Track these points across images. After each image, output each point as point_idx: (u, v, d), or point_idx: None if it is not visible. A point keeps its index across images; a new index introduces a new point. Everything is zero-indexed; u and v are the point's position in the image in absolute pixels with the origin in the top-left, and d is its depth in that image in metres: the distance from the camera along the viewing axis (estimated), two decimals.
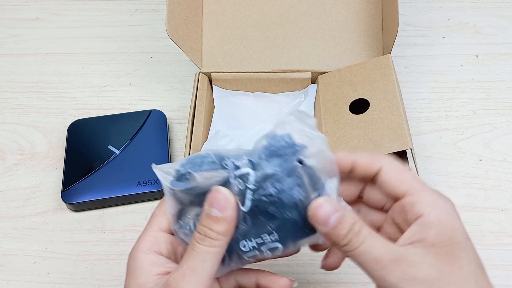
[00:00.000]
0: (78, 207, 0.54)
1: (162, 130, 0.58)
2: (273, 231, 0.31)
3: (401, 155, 0.49)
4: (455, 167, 0.56)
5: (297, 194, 0.31)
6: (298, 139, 0.32)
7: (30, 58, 0.70)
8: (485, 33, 0.70)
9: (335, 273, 0.49)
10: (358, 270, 0.49)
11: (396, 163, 0.32)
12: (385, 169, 0.32)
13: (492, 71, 0.65)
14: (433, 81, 0.65)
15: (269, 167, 0.31)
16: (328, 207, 0.30)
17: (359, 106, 0.53)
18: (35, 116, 0.63)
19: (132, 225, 0.53)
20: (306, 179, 0.31)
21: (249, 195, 0.31)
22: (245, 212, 0.31)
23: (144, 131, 0.58)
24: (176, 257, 0.34)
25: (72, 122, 0.60)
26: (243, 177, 0.31)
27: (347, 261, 0.49)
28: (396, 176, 0.32)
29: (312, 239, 0.33)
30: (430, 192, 0.31)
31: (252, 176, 0.31)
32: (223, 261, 0.33)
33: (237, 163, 0.31)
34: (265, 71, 0.59)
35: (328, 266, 0.36)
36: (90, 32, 0.73)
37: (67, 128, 0.59)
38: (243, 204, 0.31)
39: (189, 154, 0.51)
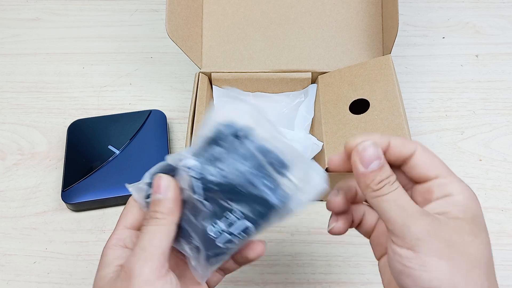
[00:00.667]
0: (78, 207, 0.54)
1: (162, 130, 0.58)
2: (234, 209, 0.33)
3: None
4: (455, 167, 0.56)
5: (244, 168, 0.32)
6: (241, 122, 0.34)
7: (30, 58, 0.70)
8: (485, 33, 0.70)
9: (335, 273, 0.49)
10: (358, 270, 0.49)
11: (428, 149, 0.33)
12: (419, 151, 0.33)
13: (492, 71, 0.65)
14: (433, 81, 0.65)
15: (208, 152, 0.33)
16: (374, 152, 0.32)
17: (359, 106, 0.53)
18: (35, 116, 0.63)
19: None
20: (252, 153, 0.32)
21: (196, 183, 0.32)
22: (199, 200, 0.33)
23: (144, 131, 0.58)
24: None
25: (72, 122, 0.60)
26: (188, 168, 0.33)
27: (348, 262, 0.50)
28: (430, 160, 0.32)
29: (282, 212, 0.33)
30: (459, 179, 0.32)
31: (195, 164, 0.33)
32: (207, 259, 0.34)
33: (181, 157, 0.34)
34: (265, 71, 0.59)
35: (335, 231, 0.36)
36: (90, 32, 0.73)
37: (67, 128, 0.59)
38: (194, 192, 0.33)
39: None
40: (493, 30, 0.70)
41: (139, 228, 0.35)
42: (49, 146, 0.60)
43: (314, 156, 0.53)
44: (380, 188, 0.31)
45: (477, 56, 0.67)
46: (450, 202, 0.31)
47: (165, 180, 0.34)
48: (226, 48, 0.60)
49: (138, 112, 0.60)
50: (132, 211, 0.36)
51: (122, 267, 0.32)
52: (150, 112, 0.60)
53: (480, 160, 0.57)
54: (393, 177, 0.32)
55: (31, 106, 0.64)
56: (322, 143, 0.52)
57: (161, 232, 0.33)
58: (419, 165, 0.33)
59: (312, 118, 0.57)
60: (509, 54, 0.67)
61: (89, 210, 0.54)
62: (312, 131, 0.57)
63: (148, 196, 0.35)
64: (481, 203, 0.53)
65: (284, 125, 0.57)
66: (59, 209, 0.54)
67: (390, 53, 0.56)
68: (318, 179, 0.33)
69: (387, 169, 0.32)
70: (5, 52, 0.71)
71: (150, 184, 0.35)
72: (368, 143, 0.32)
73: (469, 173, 0.56)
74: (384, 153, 0.33)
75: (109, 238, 0.35)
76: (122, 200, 0.53)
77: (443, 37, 0.70)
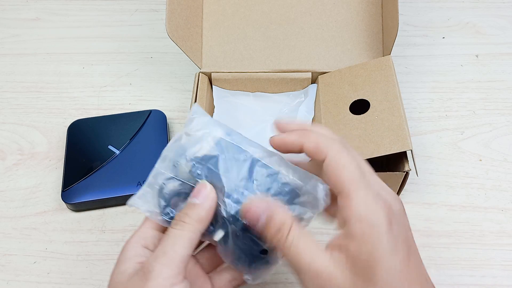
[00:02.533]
0: (78, 207, 0.53)
1: (162, 130, 0.58)
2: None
3: (402, 155, 0.49)
4: (455, 167, 0.56)
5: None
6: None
7: (30, 58, 0.70)
8: (485, 33, 0.70)
9: None
10: None
11: (341, 153, 0.31)
12: (327, 161, 0.31)
13: (492, 71, 0.65)
14: (433, 81, 0.65)
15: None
16: (258, 205, 0.32)
17: (360, 107, 0.53)
18: (35, 116, 0.63)
19: (132, 225, 0.53)
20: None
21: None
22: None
23: (144, 131, 0.58)
24: None
25: (72, 122, 0.60)
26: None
27: None
28: (335, 172, 0.31)
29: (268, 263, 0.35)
30: (364, 196, 0.29)
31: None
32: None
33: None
34: (265, 71, 0.59)
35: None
36: (90, 32, 0.73)
37: (67, 128, 0.59)
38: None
39: None
40: (493, 30, 0.70)
41: (163, 231, 0.35)
42: (49, 146, 0.60)
43: None
44: (277, 243, 0.31)
45: (477, 56, 0.67)
46: (348, 235, 0.29)
47: (208, 189, 0.34)
48: (226, 48, 0.60)
49: (138, 112, 0.60)
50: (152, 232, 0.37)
51: (142, 266, 0.32)
52: (150, 112, 0.60)
53: (480, 160, 0.57)
54: (286, 226, 0.31)
55: (31, 106, 0.64)
56: None
57: (185, 239, 0.33)
58: (327, 176, 0.31)
59: (312, 118, 0.57)
60: (509, 54, 0.67)
61: (89, 210, 0.54)
62: None
63: (165, 206, 0.35)
64: (481, 203, 0.53)
65: None
66: (59, 209, 0.54)
67: (390, 53, 0.56)
68: (321, 193, 0.33)
69: (277, 219, 0.31)
70: (5, 52, 0.71)
71: (165, 198, 0.36)
72: (251, 198, 0.32)
73: (469, 173, 0.56)
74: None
75: (132, 235, 0.36)
76: (122, 200, 0.53)
77: (443, 37, 0.70)
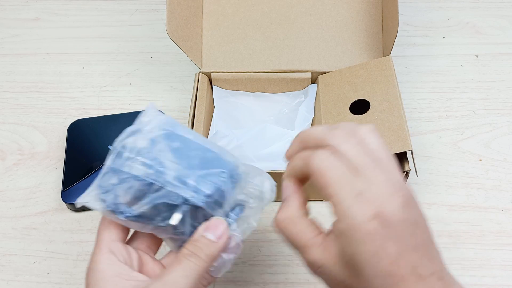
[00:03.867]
0: (78, 207, 0.53)
1: None
2: None
3: (402, 155, 0.49)
4: (455, 167, 0.56)
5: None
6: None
7: (30, 58, 0.70)
8: (485, 33, 0.70)
9: None
10: None
11: (322, 161, 0.30)
12: (311, 172, 0.31)
13: (492, 71, 0.65)
14: (433, 81, 0.65)
15: None
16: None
17: (360, 107, 0.53)
18: (35, 116, 0.63)
19: None
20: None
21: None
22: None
23: None
24: (131, 264, 0.35)
25: (72, 122, 0.60)
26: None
27: None
28: (317, 180, 0.31)
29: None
30: (343, 199, 0.29)
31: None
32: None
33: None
34: (265, 71, 0.59)
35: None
36: (90, 32, 0.73)
37: (67, 128, 0.59)
38: None
39: None
40: (493, 30, 0.70)
41: (124, 240, 0.35)
42: (49, 146, 0.60)
43: None
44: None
45: (477, 56, 0.67)
46: (335, 233, 0.30)
47: (225, 227, 0.34)
48: (226, 48, 0.60)
49: (138, 112, 0.60)
50: (112, 223, 0.36)
51: None
52: None
53: (480, 160, 0.57)
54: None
55: (31, 106, 0.64)
56: None
57: (197, 273, 0.33)
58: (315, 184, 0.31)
59: (312, 118, 0.57)
60: (509, 54, 0.67)
61: (89, 210, 0.54)
62: None
63: (118, 204, 0.35)
64: (481, 203, 0.53)
65: (284, 125, 0.57)
66: (59, 209, 0.54)
67: (390, 54, 0.56)
68: (267, 187, 0.36)
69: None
70: (5, 52, 0.71)
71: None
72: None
73: (469, 173, 0.56)
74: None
75: (96, 252, 0.34)
76: None
77: (443, 37, 0.70)
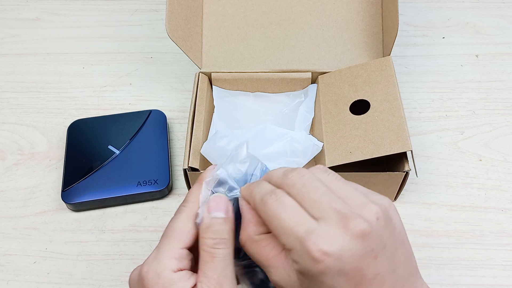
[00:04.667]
0: (78, 207, 0.54)
1: (162, 130, 0.58)
2: None
3: (402, 155, 0.49)
4: (455, 167, 0.56)
5: None
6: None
7: (30, 58, 0.70)
8: (485, 33, 0.70)
9: None
10: None
11: (274, 203, 0.31)
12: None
13: (492, 71, 0.65)
14: (433, 81, 0.65)
15: None
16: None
17: (360, 107, 0.53)
18: (35, 116, 0.63)
19: (132, 225, 0.53)
20: None
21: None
22: None
23: (144, 131, 0.58)
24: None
25: (72, 122, 0.60)
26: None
27: None
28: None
29: None
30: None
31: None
32: None
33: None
34: (265, 71, 0.59)
35: None
36: (90, 32, 0.73)
37: (67, 128, 0.59)
38: None
39: (189, 154, 0.51)
40: (493, 30, 0.70)
41: (191, 247, 0.34)
42: (49, 146, 0.60)
43: (314, 157, 0.53)
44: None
45: (477, 56, 0.67)
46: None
47: (225, 199, 0.34)
48: (226, 48, 0.60)
49: (138, 112, 0.60)
50: (187, 227, 0.34)
51: None
52: (150, 112, 0.60)
53: (480, 160, 0.57)
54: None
55: (31, 106, 0.64)
56: (322, 144, 0.52)
57: (230, 256, 0.33)
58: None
59: (312, 118, 0.57)
60: (509, 54, 0.67)
61: (89, 210, 0.54)
62: (312, 131, 0.57)
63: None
64: (481, 203, 0.53)
65: (284, 125, 0.57)
66: (59, 209, 0.54)
67: (390, 54, 0.56)
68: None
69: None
70: (5, 52, 0.71)
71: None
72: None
73: (469, 173, 0.56)
74: None
75: (163, 259, 0.32)
76: (122, 200, 0.54)
77: (443, 37, 0.70)
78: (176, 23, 0.56)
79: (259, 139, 0.53)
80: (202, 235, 0.33)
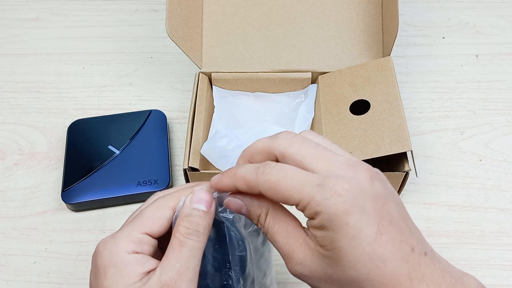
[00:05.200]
0: (78, 207, 0.54)
1: (162, 130, 0.58)
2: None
3: (402, 155, 0.49)
4: (455, 167, 0.56)
5: None
6: None
7: (30, 58, 0.70)
8: (485, 33, 0.70)
9: None
10: None
11: (276, 172, 0.30)
12: (263, 190, 0.30)
13: (492, 71, 0.65)
14: (433, 81, 0.65)
15: None
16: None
17: (360, 107, 0.53)
18: (35, 116, 0.63)
19: None
20: None
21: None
22: None
23: (144, 131, 0.58)
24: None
25: (72, 122, 0.60)
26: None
27: None
28: (281, 192, 0.30)
29: None
30: (315, 197, 0.28)
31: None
32: None
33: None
34: (265, 71, 0.59)
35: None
36: (90, 32, 0.73)
37: (67, 128, 0.59)
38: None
39: (189, 154, 0.51)
40: (493, 30, 0.70)
41: (157, 237, 0.33)
42: (49, 146, 0.60)
43: None
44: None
45: (477, 56, 0.67)
46: (313, 226, 0.30)
47: (209, 194, 0.33)
48: (226, 48, 0.60)
49: (138, 112, 0.60)
50: (161, 217, 0.33)
51: (164, 285, 0.30)
52: (150, 112, 0.60)
53: (480, 160, 0.57)
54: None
55: (31, 106, 0.64)
56: None
57: (200, 250, 0.32)
58: (276, 197, 0.30)
59: (312, 118, 0.57)
60: (509, 54, 0.67)
61: (89, 210, 0.54)
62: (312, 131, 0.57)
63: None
64: (481, 203, 0.53)
65: (284, 125, 0.57)
66: (59, 209, 0.54)
67: (390, 54, 0.56)
68: None
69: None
70: (5, 52, 0.71)
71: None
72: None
73: (469, 173, 0.56)
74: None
75: (120, 239, 0.32)
76: (122, 200, 0.53)
77: (443, 37, 0.70)
78: (176, 23, 0.56)
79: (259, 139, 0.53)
80: (178, 222, 0.32)
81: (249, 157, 0.33)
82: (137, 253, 0.32)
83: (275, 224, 0.31)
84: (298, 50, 0.60)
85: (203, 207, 0.32)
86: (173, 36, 0.55)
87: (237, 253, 0.34)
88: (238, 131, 0.54)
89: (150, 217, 0.33)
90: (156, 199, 0.34)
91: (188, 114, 0.55)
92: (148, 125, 0.59)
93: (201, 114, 0.55)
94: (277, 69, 0.59)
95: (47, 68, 0.68)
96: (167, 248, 0.32)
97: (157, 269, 0.31)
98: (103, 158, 0.56)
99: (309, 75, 0.59)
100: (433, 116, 0.61)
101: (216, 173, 0.50)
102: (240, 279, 0.35)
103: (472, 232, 0.51)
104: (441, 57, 0.67)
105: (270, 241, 0.32)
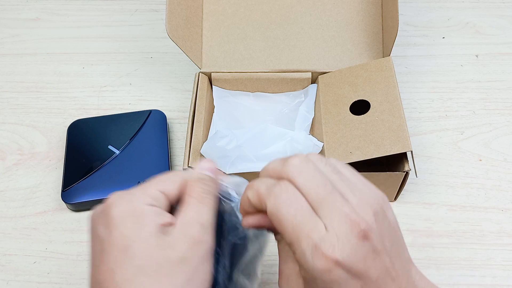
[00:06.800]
0: (78, 207, 0.54)
1: (162, 130, 0.58)
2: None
3: (402, 155, 0.49)
4: (455, 167, 0.56)
5: None
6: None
7: (30, 58, 0.70)
8: (485, 33, 0.70)
9: None
10: None
11: (279, 203, 0.29)
12: (268, 212, 0.30)
13: (492, 71, 0.65)
14: (433, 81, 0.65)
15: None
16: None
17: (360, 107, 0.53)
18: (35, 116, 0.63)
19: None
20: None
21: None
22: None
23: (144, 131, 0.58)
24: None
25: (72, 122, 0.60)
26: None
27: None
28: (276, 223, 0.30)
29: None
30: (303, 254, 0.28)
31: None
32: None
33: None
34: (265, 71, 0.59)
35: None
36: (90, 32, 0.73)
37: (67, 128, 0.59)
38: None
39: (189, 154, 0.51)
40: (493, 30, 0.70)
41: (171, 199, 0.33)
42: (49, 146, 0.60)
43: None
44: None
45: (477, 56, 0.67)
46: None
47: (214, 165, 0.35)
48: (226, 48, 0.60)
49: (138, 112, 0.60)
50: (176, 181, 0.33)
51: (190, 236, 0.30)
52: (150, 112, 0.60)
53: (480, 160, 0.57)
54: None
55: (31, 106, 0.64)
56: (322, 144, 0.52)
57: (215, 212, 0.33)
58: (273, 222, 0.30)
59: (312, 118, 0.57)
60: (509, 54, 0.67)
61: (89, 210, 0.54)
62: (312, 131, 0.57)
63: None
64: (481, 203, 0.54)
65: (284, 125, 0.57)
66: (59, 209, 0.54)
67: (390, 54, 0.56)
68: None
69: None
70: (5, 52, 0.71)
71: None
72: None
73: (469, 173, 0.56)
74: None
75: (137, 192, 0.32)
76: None
77: (443, 37, 0.70)
78: (176, 23, 0.56)
79: (259, 139, 0.53)
80: (192, 183, 0.33)
81: (266, 175, 0.33)
82: (155, 206, 0.31)
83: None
84: (298, 50, 0.60)
85: (211, 174, 0.34)
86: (173, 36, 0.55)
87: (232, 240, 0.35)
88: (238, 131, 0.54)
89: (165, 179, 0.33)
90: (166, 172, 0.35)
91: (188, 114, 0.55)
92: (148, 125, 0.59)
93: (201, 114, 0.55)
94: (277, 69, 0.59)
95: (47, 68, 0.68)
96: (182, 208, 0.32)
97: (178, 223, 0.31)
98: (103, 158, 0.56)
99: (309, 75, 0.59)
100: (433, 116, 0.61)
101: None
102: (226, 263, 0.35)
103: (472, 232, 0.51)
104: (441, 57, 0.67)
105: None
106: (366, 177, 0.49)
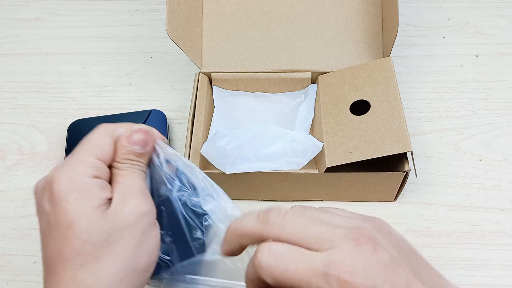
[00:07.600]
0: None
1: (162, 130, 0.58)
2: None
3: (402, 155, 0.49)
4: (455, 167, 0.56)
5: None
6: None
7: (30, 58, 0.70)
8: (485, 33, 0.70)
9: None
10: None
11: (272, 260, 0.27)
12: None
13: (492, 71, 0.65)
14: (433, 81, 0.65)
15: None
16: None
17: (360, 107, 0.53)
18: (35, 116, 0.63)
19: None
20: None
21: None
22: None
23: None
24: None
25: (72, 122, 0.60)
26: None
27: None
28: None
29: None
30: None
31: None
32: None
33: None
34: (265, 71, 0.59)
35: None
36: (90, 32, 0.73)
37: (67, 128, 0.59)
38: None
39: (189, 154, 0.51)
40: (493, 30, 0.70)
41: (108, 163, 0.33)
42: (49, 146, 0.60)
43: (314, 157, 0.53)
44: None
45: (477, 56, 0.67)
46: None
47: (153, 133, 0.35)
48: (226, 48, 0.60)
49: (138, 112, 0.60)
50: (109, 143, 0.33)
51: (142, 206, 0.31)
52: (150, 112, 0.60)
53: (480, 160, 0.57)
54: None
55: (31, 106, 0.64)
56: (322, 144, 0.52)
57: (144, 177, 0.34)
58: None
59: (312, 118, 0.57)
60: (509, 54, 0.67)
61: None
62: (312, 131, 0.57)
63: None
64: (481, 203, 0.54)
65: (284, 125, 0.57)
66: None
67: (390, 54, 0.56)
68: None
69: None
70: (5, 52, 0.71)
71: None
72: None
73: (469, 173, 0.56)
74: None
75: (76, 164, 0.32)
76: None
77: (443, 37, 0.70)
78: (176, 23, 0.56)
79: (259, 139, 0.53)
80: (122, 150, 0.33)
81: (238, 237, 0.30)
82: (97, 177, 0.32)
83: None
84: (298, 50, 0.60)
85: (141, 149, 0.33)
86: (173, 36, 0.55)
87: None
88: (238, 131, 0.54)
89: (99, 142, 0.34)
90: (100, 126, 0.35)
91: (188, 114, 0.55)
92: (148, 125, 0.58)
93: (201, 114, 0.55)
94: (277, 69, 0.59)
95: (47, 68, 0.68)
96: (118, 176, 0.33)
97: (118, 192, 0.32)
98: None
99: (309, 75, 0.59)
100: (433, 116, 0.61)
101: (216, 173, 0.50)
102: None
103: (472, 232, 0.51)
104: (441, 57, 0.67)
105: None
106: (366, 177, 0.50)
